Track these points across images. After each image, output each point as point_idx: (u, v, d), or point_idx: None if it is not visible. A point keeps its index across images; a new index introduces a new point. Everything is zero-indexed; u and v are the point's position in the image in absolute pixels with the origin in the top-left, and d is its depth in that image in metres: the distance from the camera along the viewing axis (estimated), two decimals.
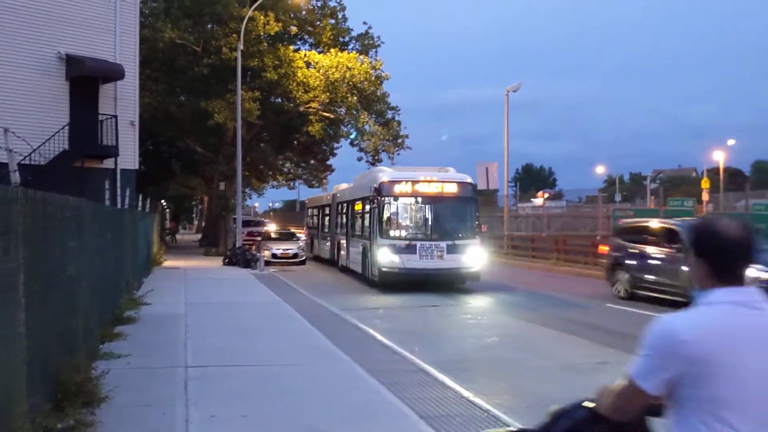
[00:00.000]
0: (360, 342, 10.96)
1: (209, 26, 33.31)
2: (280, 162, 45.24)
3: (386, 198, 19.47)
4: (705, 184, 41.81)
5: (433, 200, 19.61)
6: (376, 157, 36.30)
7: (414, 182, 19.59)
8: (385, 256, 19.01)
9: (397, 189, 19.53)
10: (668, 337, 2.21)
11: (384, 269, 19.04)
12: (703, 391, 2.19)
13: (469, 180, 20.56)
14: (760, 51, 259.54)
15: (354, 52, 35.22)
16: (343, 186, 28.44)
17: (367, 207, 20.83)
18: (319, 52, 34.60)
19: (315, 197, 37.16)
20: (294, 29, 34.89)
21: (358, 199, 22.97)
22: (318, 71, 33.04)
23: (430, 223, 19.79)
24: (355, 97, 33.97)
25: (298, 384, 8.06)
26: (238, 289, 18.99)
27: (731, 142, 63.18)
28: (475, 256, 19.35)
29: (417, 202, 19.90)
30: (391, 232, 19.45)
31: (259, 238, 33.90)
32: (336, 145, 42.14)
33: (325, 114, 35.35)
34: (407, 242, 19.07)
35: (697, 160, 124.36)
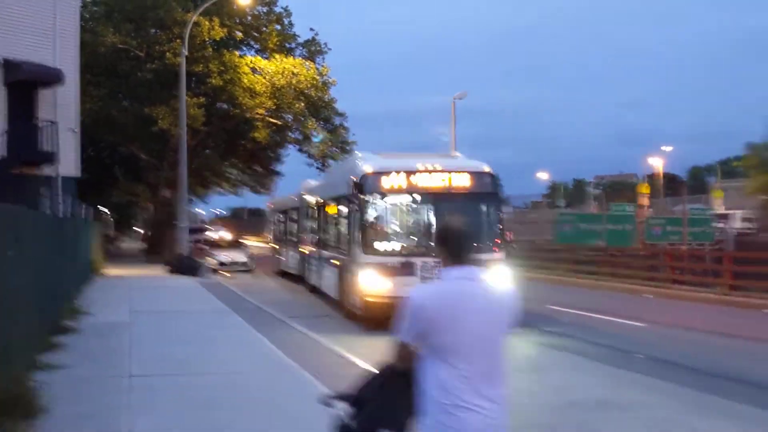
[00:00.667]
0: (308, 349, 10.92)
1: (152, 31, 32.79)
2: (226, 169, 44.78)
3: (371, 196, 14.13)
4: (644, 189, 43.05)
5: (439, 198, 14.09)
6: (325, 164, 36.26)
7: (410, 173, 14.14)
8: (371, 280, 13.55)
9: (387, 183, 14.10)
10: (413, 303, 3.13)
11: (370, 299, 13.44)
12: (437, 341, 3.08)
13: (488, 169, 14.80)
14: (696, 61, 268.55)
15: (300, 58, 35.15)
16: (313, 183, 23.70)
17: (344, 209, 15.65)
18: (265, 58, 34.41)
19: (280, 199, 32.32)
20: (239, 35, 34.62)
21: (331, 199, 17.71)
22: (264, 77, 32.84)
23: (434, 231, 13.54)
24: (302, 104, 33.90)
25: (245, 392, 7.99)
26: (184, 298, 18.67)
27: (668, 148, 65.06)
28: (498, 276, 12.72)
29: (415, 201, 14.44)
30: (379, 246, 14.06)
31: (205, 246, 33.47)
32: (283, 151, 41.98)
33: (271, 120, 35.13)
34: (402, 259, 13.56)
35: (637, 166, 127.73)
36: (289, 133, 38.11)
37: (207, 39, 31.23)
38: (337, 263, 16.11)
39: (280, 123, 35.63)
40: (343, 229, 15.92)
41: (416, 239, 14.35)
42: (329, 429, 3.44)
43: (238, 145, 39.97)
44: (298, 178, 34.64)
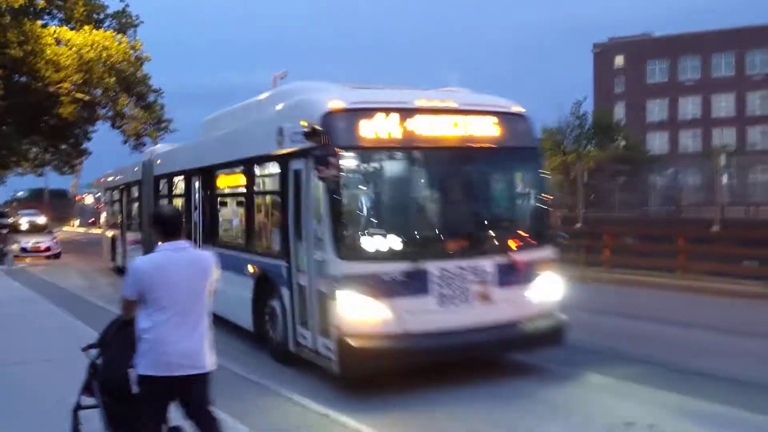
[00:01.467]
0: None
1: None
2: (26, 147, 41.55)
3: (345, 153, 7.71)
4: None
5: (456, 158, 8.63)
6: (139, 141, 34.84)
7: (407, 112, 8.05)
8: (356, 307, 7.47)
9: (370, 130, 7.86)
10: (135, 268, 4.42)
11: (354, 342, 7.39)
12: (154, 295, 4.31)
13: (522, 110, 9.03)
14: (513, 49, 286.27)
15: (111, 30, 33.29)
16: (163, 147, 18.23)
17: (270, 181, 9.71)
18: (72, 29, 32.20)
19: (115, 174, 23.80)
20: (42, 2, 32.00)
21: (232, 165, 11.17)
22: (70, 49, 30.74)
23: (450, 213, 8.61)
24: (113, 78, 32.21)
25: (62, 378, 7.75)
26: None
27: None
28: (548, 285, 8.56)
29: (415, 162, 8.42)
30: (364, 243, 7.73)
31: (5, 231, 31.03)
32: (91, 128, 39.62)
33: (78, 95, 33.01)
34: (408, 267, 7.62)
35: None
36: (100, 110, 36.09)
37: (4, 6, 28.64)
38: (267, 275, 9.34)
39: (88, 98, 33.59)
40: (272, 214, 9.59)
41: (425, 229, 8.40)
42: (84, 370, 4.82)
43: (42, 121, 37.21)
44: (109, 157, 32.65)
